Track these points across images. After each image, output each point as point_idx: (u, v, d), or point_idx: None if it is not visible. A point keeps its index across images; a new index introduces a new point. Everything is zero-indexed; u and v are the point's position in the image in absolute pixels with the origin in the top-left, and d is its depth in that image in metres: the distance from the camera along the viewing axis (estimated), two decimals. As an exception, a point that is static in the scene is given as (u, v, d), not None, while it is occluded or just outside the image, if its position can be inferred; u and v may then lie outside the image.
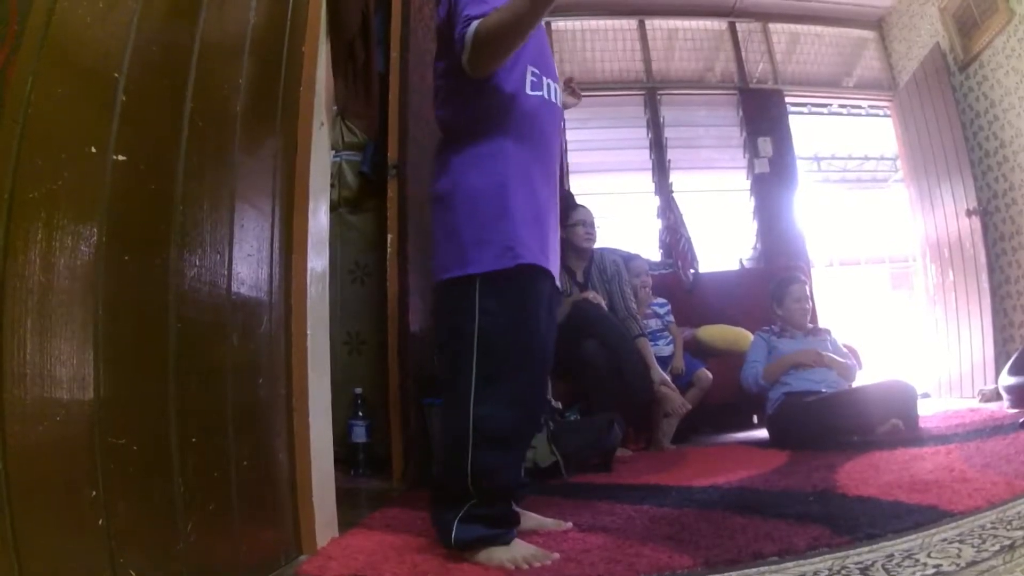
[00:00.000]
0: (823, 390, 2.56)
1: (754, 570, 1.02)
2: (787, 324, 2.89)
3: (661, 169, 4.62)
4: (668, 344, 3.26)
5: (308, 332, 1.39)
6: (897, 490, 1.40)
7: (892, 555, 0.98)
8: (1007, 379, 2.93)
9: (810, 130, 5.42)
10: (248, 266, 1.20)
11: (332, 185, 2.70)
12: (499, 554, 1.19)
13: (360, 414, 2.55)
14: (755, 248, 4.55)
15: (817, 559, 1.02)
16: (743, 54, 4.89)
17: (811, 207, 5.53)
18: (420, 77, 2.57)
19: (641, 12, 4.90)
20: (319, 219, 1.51)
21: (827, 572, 0.96)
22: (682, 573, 1.06)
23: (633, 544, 1.22)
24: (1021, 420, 2.20)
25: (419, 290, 2.48)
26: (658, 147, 4.67)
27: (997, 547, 0.95)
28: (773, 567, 1.02)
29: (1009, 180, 3.74)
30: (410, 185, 2.47)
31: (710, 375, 3.10)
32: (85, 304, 0.81)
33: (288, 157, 1.41)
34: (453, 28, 1.29)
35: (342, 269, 2.79)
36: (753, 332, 3.01)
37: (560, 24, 4.83)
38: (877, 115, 5.15)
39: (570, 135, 4.54)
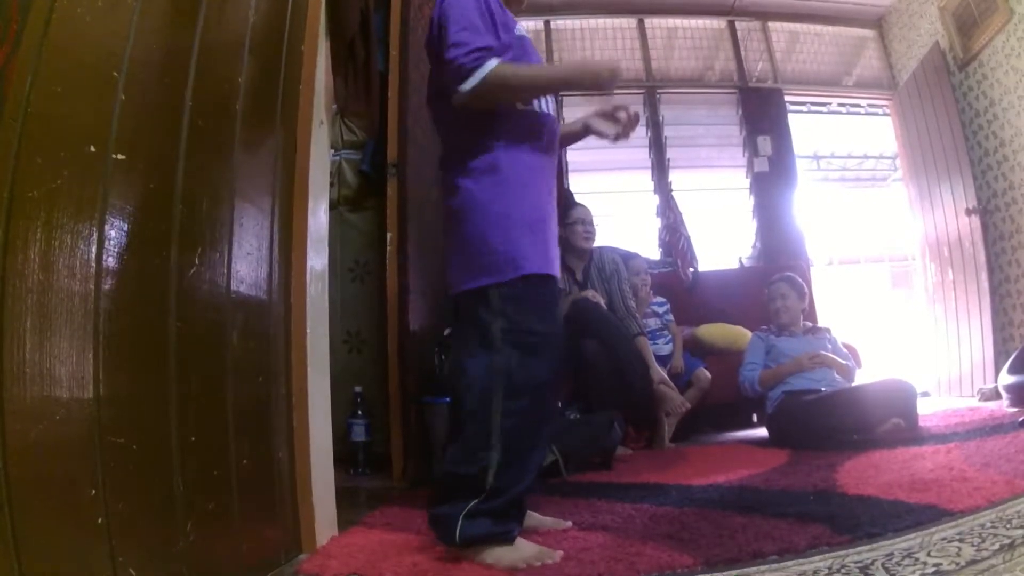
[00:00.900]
0: (823, 389, 2.56)
1: (754, 569, 1.02)
2: (774, 326, 2.90)
3: (660, 168, 4.62)
4: (667, 343, 3.26)
5: (308, 331, 1.39)
6: (897, 489, 1.40)
7: (892, 554, 0.99)
8: (1006, 378, 2.93)
9: (809, 129, 5.41)
10: (248, 265, 1.20)
11: (332, 184, 2.71)
12: (507, 554, 1.18)
13: (360, 413, 2.55)
14: (754, 247, 4.55)
15: (817, 558, 1.03)
16: (743, 53, 4.88)
17: (810, 206, 5.52)
18: (420, 76, 2.56)
19: (640, 11, 4.90)
20: (319, 218, 1.51)
21: (827, 571, 0.96)
22: (682, 572, 1.06)
23: (633, 543, 1.22)
24: (1021, 419, 2.20)
25: (419, 289, 2.48)
26: (657, 146, 4.67)
27: (997, 546, 0.95)
28: (773, 566, 1.02)
29: (1009, 179, 3.74)
30: (410, 184, 2.47)
31: (708, 375, 3.10)
32: (85, 303, 0.81)
33: (288, 156, 1.41)
34: (443, 46, 1.30)
35: (342, 267, 2.80)
36: (752, 331, 3.01)
37: (559, 23, 4.83)
38: (877, 114, 5.15)
39: (570, 134, 4.53)
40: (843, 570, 0.95)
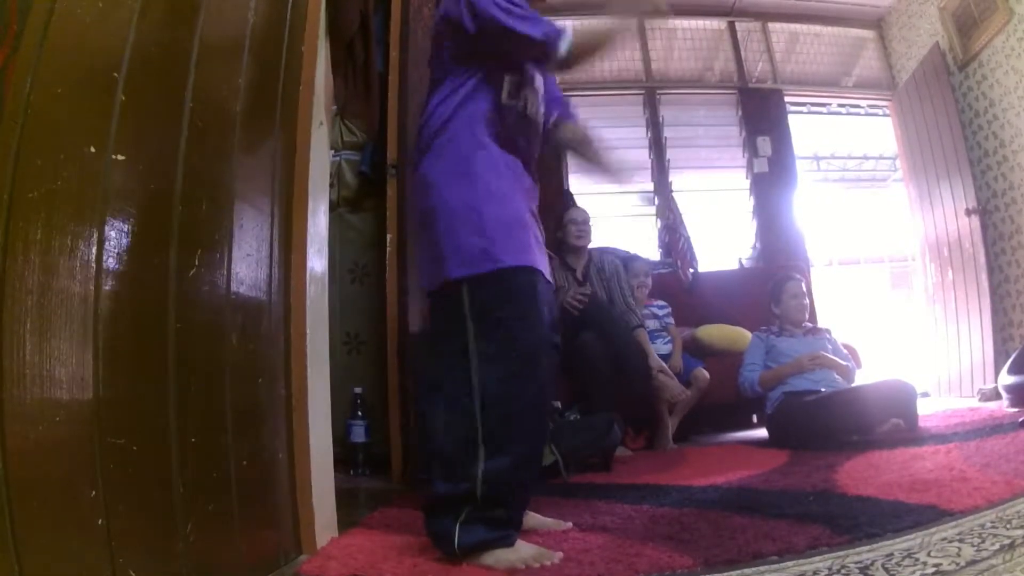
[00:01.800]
0: (823, 390, 2.56)
1: (754, 570, 1.02)
2: (785, 323, 2.89)
3: (660, 168, 4.62)
4: (666, 344, 3.26)
5: (307, 332, 1.39)
6: (897, 489, 1.40)
7: (892, 554, 0.98)
8: (1006, 378, 2.93)
9: (809, 129, 5.41)
10: (247, 266, 1.20)
11: (331, 185, 2.71)
12: (507, 556, 1.17)
13: (359, 414, 2.55)
14: (754, 247, 4.54)
15: (817, 558, 1.02)
16: (742, 53, 4.88)
17: (810, 206, 5.52)
18: (420, 77, 2.56)
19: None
20: (318, 219, 1.50)
21: (827, 572, 0.96)
22: (682, 573, 1.06)
23: (633, 544, 1.22)
24: (1020, 419, 2.20)
25: (418, 290, 2.48)
26: (657, 146, 4.67)
27: (997, 546, 0.95)
28: (773, 567, 1.02)
29: (1008, 179, 3.74)
30: (409, 185, 2.47)
31: (707, 375, 3.10)
32: (85, 304, 0.81)
33: (287, 157, 1.41)
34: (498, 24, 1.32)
35: (341, 269, 2.80)
36: (752, 332, 3.00)
37: (559, 23, 4.82)
38: (876, 114, 5.15)
39: (570, 134, 4.53)
40: (843, 570, 0.94)
